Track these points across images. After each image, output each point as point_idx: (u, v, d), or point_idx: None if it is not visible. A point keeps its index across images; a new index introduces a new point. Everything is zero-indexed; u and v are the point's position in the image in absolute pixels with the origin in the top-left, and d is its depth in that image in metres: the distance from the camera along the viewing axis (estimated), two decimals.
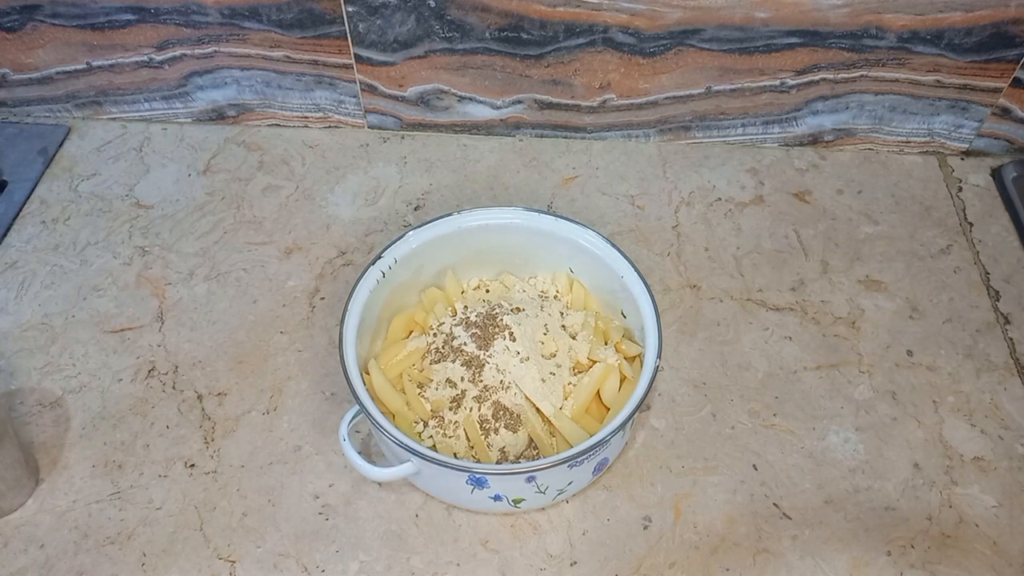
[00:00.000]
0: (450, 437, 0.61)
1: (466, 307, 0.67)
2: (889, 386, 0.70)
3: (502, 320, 0.64)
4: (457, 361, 0.63)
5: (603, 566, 0.60)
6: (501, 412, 0.61)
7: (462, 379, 0.62)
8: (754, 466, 0.65)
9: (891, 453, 0.66)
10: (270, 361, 0.71)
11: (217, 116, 0.89)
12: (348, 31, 0.80)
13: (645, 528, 0.61)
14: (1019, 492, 0.64)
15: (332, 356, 0.70)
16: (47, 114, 0.90)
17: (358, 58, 0.82)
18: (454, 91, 0.85)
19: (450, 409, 0.62)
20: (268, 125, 0.90)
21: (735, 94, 0.83)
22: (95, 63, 0.84)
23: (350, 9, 0.78)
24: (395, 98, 0.86)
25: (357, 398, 0.57)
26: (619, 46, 0.79)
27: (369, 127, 0.89)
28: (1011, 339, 0.73)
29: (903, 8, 0.75)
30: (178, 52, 0.83)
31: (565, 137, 0.89)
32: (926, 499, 0.63)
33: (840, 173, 0.86)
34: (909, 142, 0.87)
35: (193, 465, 0.64)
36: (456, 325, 0.65)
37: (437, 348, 0.64)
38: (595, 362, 0.64)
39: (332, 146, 0.88)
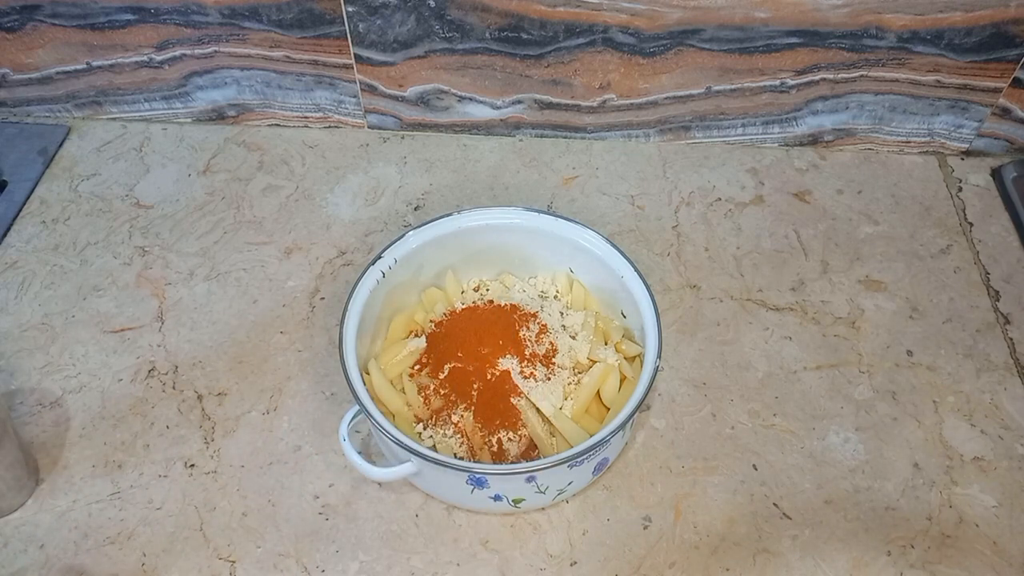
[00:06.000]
0: (450, 437, 0.61)
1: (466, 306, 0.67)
2: (889, 386, 0.70)
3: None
4: (457, 361, 0.63)
5: (603, 566, 0.60)
6: (501, 412, 0.61)
7: (462, 379, 0.62)
8: (754, 466, 0.65)
9: (891, 453, 0.66)
10: (270, 361, 0.71)
11: (217, 116, 0.89)
12: (348, 31, 0.80)
13: (645, 528, 0.61)
14: (1019, 492, 0.64)
15: (332, 356, 0.70)
16: (47, 114, 0.90)
17: (358, 58, 0.82)
18: (454, 91, 0.85)
19: (450, 409, 0.62)
20: (268, 125, 0.90)
21: (735, 94, 0.83)
22: (95, 63, 0.84)
23: (350, 9, 0.78)
24: (395, 98, 0.86)
25: (357, 398, 0.57)
26: (619, 46, 0.79)
27: (369, 127, 0.89)
28: (1011, 339, 0.73)
29: (903, 8, 0.75)
30: (178, 52, 0.83)
31: (565, 137, 0.89)
32: (926, 499, 0.63)
33: (840, 173, 0.86)
34: (909, 142, 0.87)
35: (193, 465, 0.64)
36: (456, 324, 0.65)
37: (436, 348, 0.64)
38: (595, 362, 0.64)
39: (332, 146, 0.88)
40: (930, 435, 0.67)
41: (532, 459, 0.59)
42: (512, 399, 0.61)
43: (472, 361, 0.63)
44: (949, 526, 0.62)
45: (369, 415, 0.56)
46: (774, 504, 0.63)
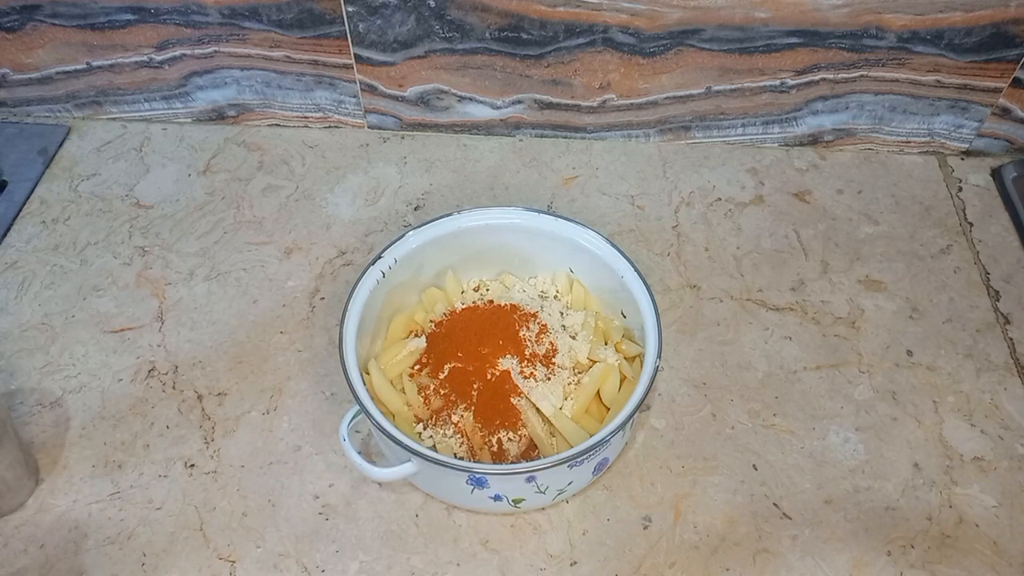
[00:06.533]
0: (450, 437, 0.61)
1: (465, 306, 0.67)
2: (889, 386, 0.70)
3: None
4: (457, 361, 0.63)
5: (603, 566, 0.60)
6: (501, 412, 0.61)
7: (462, 379, 0.62)
8: (754, 466, 0.65)
9: (891, 453, 0.66)
10: (270, 361, 0.71)
11: (217, 116, 0.89)
12: (348, 31, 0.80)
13: (645, 528, 0.61)
14: (1019, 492, 0.64)
15: (332, 356, 0.70)
16: (47, 114, 0.90)
17: (358, 58, 0.82)
18: (454, 91, 0.85)
19: (450, 409, 0.62)
20: (268, 125, 0.90)
21: (735, 94, 0.83)
22: (95, 63, 0.84)
23: (350, 9, 0.78)
24: (395, 98, 0.86)
25: (357, 398, 0.57)
26: (619, 46, 0.79)
27: (369, 127, 0.89)
28: (1011, 339, 0.73)
29: (903, 8, 0.75)
30: (178, 52, 0.83)
31: (565, 137, 0.89)
32: (926, 499, 0.63)
33: (840, 173, 0.86)
34: (909, 142, 0.87)
35: (193, 465, 0.64)
36: (456, 324, 0.65)
37: (436, 348, 0.64)
38: (595, 362, 0.64)
39: (332, 146, 0.88)
40: (930, 435, 0.67)
41: (532, 459, 0.59)
42: (512, 399, 0.61)
43: (472, 361, 0.63)
44: (949, 526, 0.62)
45: (369, 415, 0.56)
46: (774, 504, 0.63)
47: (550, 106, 0.85)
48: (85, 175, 0.85)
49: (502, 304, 0.67)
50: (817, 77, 0.81)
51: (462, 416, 0.61)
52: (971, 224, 0.82)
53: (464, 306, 0.68)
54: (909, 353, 0.72)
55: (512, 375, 0.62)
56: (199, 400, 0.68)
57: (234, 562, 0.60)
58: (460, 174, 0.86)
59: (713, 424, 0.67)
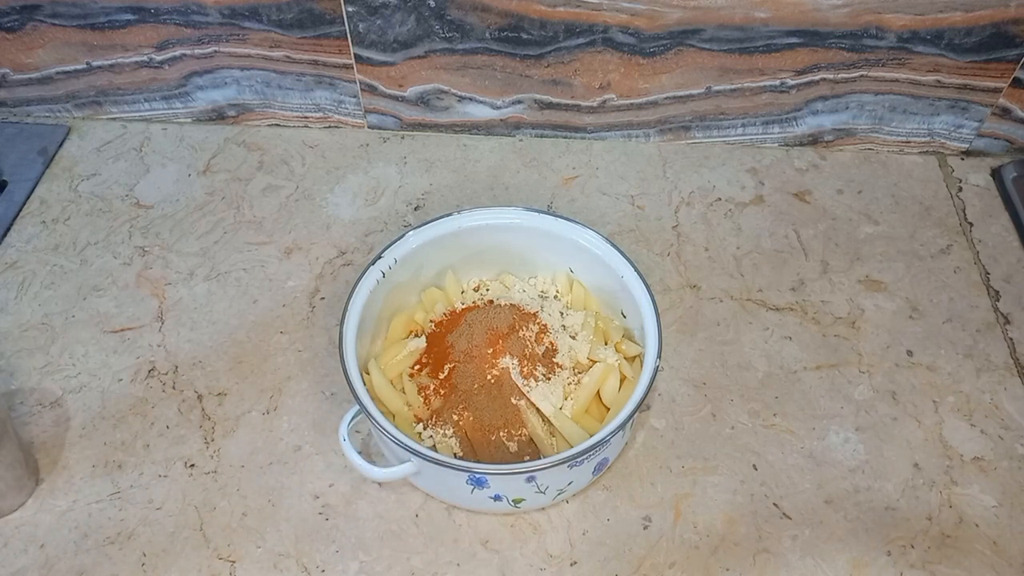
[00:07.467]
0: (450, 437, 0.61)
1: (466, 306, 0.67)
2: (889, 386, 0.70)
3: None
4: (457, 361, 0.63)
5: (603, 566, 0.60)
6: (501, 412, 0.61)
7: (462, 379, 0.62)
8: (754, 466, 0.65)
9: (891, 453, 0.66)
10: (270, 361, 0.71)
11: (217, 116, 0.89)
12: (348, 31, 0.80)
13: (645, 528, 0.61)
14: (1019, 492, 0.64)
15: (332, 356, 0.70)
16: (47, 114, 0.90)
17: (358, 58, 0.82)
18: (454, 91, 0.85)
19: (450, 409, 0.62)
20: (268, 125, 0.90)
21: (735, 94, 0.83)
22: (95, 63, 0.84)
23: (350, 9, 0.78)
24: (395, 98, 0.86)
25: (357, 398, 0.57)
26: (619, 46, 0.79)
27: (369, 127, 0.89)
28: (1011, 339, 0.73)
29: (903, 8, 0.75)
30: (178, 52, 0.83)
31: (565, 137, 0.89)
32: (926, 499, 0.63)
33: (840, 173, 0.86)
34: (909, 142, 0.87)
35: (193, 465, 0.64)
36: (456, 324, 0.65)
37: (436, 348, 0.64)
38: (595, 362, 0.64)
39: (332, 146, 0.88)
40: (930, 435, 0.67)
41: (532, 459, 0.59)
42: (512, 399, 0.61)
43: (472, 361, 0.63)
44: (949, 526, 0.62)
45: (369, 415, 0.56)
46: (774, 504, 0.63)
47: (550, 106, 0.86)
48: (85, 175, 0.85)
49: (502, 304, 0.67)
50: (817, 77, 0.81)
51: (462, 416, 0.61)
52: (971, 224, 0.82)
53: (464, 306, 0.68)
54: (909, 353, 0.72)
55: (512, 375, 0.62)
56: (199, 400, 0.68)
57: (234, 562, 0.60)
58: (460, 174, 0.86)
59: (713, 424, 0.67)
